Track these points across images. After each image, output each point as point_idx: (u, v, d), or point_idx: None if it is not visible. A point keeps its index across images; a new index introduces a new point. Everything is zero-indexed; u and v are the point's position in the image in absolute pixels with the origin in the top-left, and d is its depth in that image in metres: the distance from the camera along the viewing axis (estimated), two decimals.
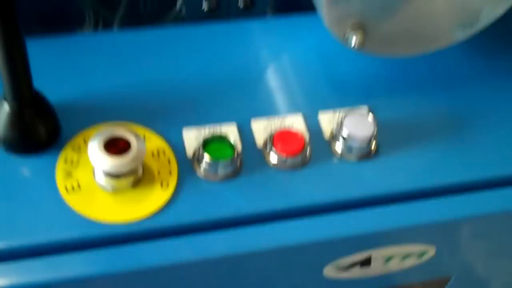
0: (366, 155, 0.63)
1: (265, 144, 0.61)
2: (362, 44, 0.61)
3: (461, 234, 0.64)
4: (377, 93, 0.66)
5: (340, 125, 0.61)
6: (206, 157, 0.59)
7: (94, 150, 0.55)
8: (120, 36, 0.69)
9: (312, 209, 0.60)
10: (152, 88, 0.64)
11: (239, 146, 0.61)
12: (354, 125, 0.61)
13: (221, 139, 0.60)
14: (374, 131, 0.61)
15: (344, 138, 0.61)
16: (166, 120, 0.62)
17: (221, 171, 0.59)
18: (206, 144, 0.60)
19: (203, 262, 0.57)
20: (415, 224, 0.61)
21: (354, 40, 0.61)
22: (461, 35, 0.66)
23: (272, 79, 0.67)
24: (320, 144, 0.63)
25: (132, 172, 0.57)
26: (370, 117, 0.61)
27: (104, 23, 0.72)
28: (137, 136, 0.56)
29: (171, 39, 0.68)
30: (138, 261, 0.56)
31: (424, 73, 0.69)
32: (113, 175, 0.57)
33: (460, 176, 0.63)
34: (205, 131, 0.62)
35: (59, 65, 0.65)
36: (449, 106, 0.67)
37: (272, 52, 0.69)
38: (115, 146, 0.56)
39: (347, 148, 0.62)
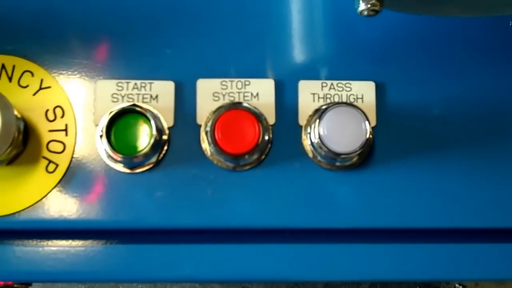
0: (350, 165, 0.47)
1: (206, 123, 0.46)
2: (374, 13, 0.42)
3: None
4: (393, 65, 0.48)
5: (318, 118, 0.45)
6: (108, 148, 0.44)
7: None
8: None
9: (253, 233, 0.46)
10: (66, 12, 0.48)
11: (169, 120, 0.46)
12: (337, 125, 0.45)
13: (137, 117, 0.45)
14: (364, 141, 0.44)
15: (317, 141, 0.45)
16: (78, 64, 0.47)
17: (131, 164, 0.45)
18: (115, 120, 0.45)
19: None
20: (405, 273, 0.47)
21: (362, 5, 0.42)
22: None
23: (242, 18, 0.49)
24: (288, 132, 0.47)
25: None
26: (366, 120, 0.44)
27: None
28: (3, 103, 0.42)
29: None
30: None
31: (470, 42, 0.49)
32: None
33: (473, 222, 0.47)
34: (128, 88, 0.46)
35: None
36: (497, 98, 0.48)
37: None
38: None
39: (322, 154, 0.46)
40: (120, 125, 0.45)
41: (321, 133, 0.44)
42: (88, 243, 0.46)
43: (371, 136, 0.45)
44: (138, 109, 0.44)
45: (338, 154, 0.44)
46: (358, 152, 0.44)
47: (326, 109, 0.45)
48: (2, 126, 0.42)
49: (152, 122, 0.44)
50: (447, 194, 0.47)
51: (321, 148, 0.45)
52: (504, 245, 0.47)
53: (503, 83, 0.48)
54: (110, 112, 0.44)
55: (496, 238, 0.47)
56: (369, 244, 0.47)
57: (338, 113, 0.45)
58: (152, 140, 0.44)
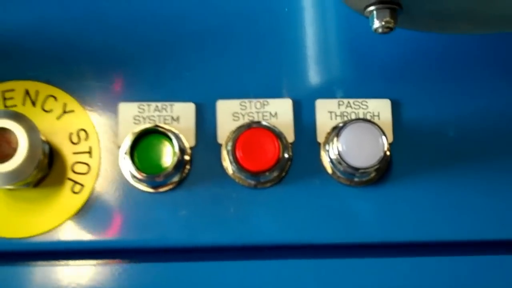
0: (369, 180, 0.48)
1: (227, 142, 0.47)
2: (389, 30, 0.44)
3: None
4: (408, 83, 0.50)
5: (336, 135, 0.46)
6: (133, 168, 0.46)
7: None
8: None
9: (276, 249, 0.47)
10: (87, 39, 0.49)
11: (191, 141, 0.47)
12: (355, 140, 0.46)
13: (160, 138, 0.47)
14: (382, 156, 0.46)
15: (336, 157, 0.46)
16: (99, 87, 0.49)
17: (155, 184, 0.47)
18: (138, 141, 0.46)
19: None
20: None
21: (377, 23, 0.44)
22: None
23: (259, 41, 0.50)
24: (307, 149, 0.48)
25: (22, 179, 0.45)
26: (383, 135, 0.46)
27: None
28: (29, 126, 0.44)
29: None
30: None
31: (485, 59, 0.51)
32: None
33: (492, 234, 0.48)
34: (149, 110, 0.48)
35: None
36: (507, 119, 0.50)
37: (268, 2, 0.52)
38: None
39: (341, 170, 0.47)
40: (143, 145, 0.46)
41: (340, 148, 0.46)
42: (114, 262, 0.47)
43: (388, 151, 0.46)
44: (160, 129, 0.46)
45: (357, 169, 0.46)
46: (376, 167, 0.46)
47: (344, 125, 0.46)
48: (28, 148, 0.44)
49: (175, 141, 0.46)
50: (464, 207, 0.48)
51: (340, 163, 0.46)
52: None
53: None
54: (134, 133, 0.46)
55: None
56: (388, 258, 0.48)
57: (356, 128, 0.46)
58: (175, 159, 0.46)
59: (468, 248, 0.49)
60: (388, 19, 0.43)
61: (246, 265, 0.47)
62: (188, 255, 0.47)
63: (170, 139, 0.46)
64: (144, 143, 0.46)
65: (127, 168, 0.46)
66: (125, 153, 0.46)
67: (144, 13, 0.50)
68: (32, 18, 0.50)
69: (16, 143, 0.44)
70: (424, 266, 0.48)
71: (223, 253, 0.48)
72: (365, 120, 0.47)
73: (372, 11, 0.44)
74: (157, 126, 0.46)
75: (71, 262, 0.47)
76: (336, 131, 0.47)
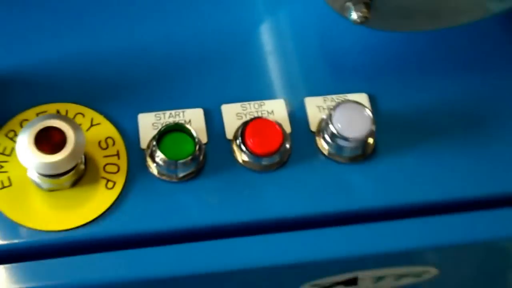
0: (360, 156, 0.57)
1: (235, 136, 0.56)
2: (365, 19, 0.54)
3: (470, 259, 0.58)
4: (381, 78, 0.60)
5: (329, 118, 0.55)
6: (160, 155, 0.53)
7: (23, 146, 0.50)
8: None
9: (288, 222, 0.55)
10: (104, 62, 0.58)
11: (203, 138, 0.55)
12: (346, 119, 0.55)
13: (181, 129, 0.54)
14: (371, 128, 0.55)
15: (332, 135, 0.55)
16: (120, 102, 0.57)
17: (178, 171, 0.54)
18: (162, 136, 0.54)
19: (150, 281, 0.53)
20: (414, 247, 0.55)
21: (354, 15, 0.54)
22: (497, 6, 0.59)
23: (251, 54, 0.60)
24: (303, 138, 0.57)
25: (68, 171, 0.52)
26: (368, 109, 0.55)
27: None
28: (75, 126, 0.51)
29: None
30: (72, 277, 0.52)
31: (446, 53, 0.62)
32: (47, 176, 0.52)
33: (476, 190, 0.57)
34: (165, 117, 0.56)
35: None
36: (473, 97, 0.60)
37: (254, 19, 0.62)
38: (48, 139, 0.51)
39: (336, 148, 0.56)
40: (166, 140, 0.54)
41: (336, 126, 0.55)
42: (147, 247, 0.54)
43: (374, 124, 0.55)
44: (180, 125, 0.54)
45: (352, 141, 0.55)
46: (367, 137, 0.55)
47: (335, 106, 0.56)
48: (74, 143, 0.51)
49: (193, 132, 0.54)
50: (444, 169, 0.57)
51: (335, 140, 0.55)
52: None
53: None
54: (159, 130, 0.54)
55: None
56: (385, 222, 0.56)
57: (345, 107, 0.55)
58: (197, 148, 0.54)
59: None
60: (363, 9, 0.54)
61: (260, 239, 0.54)
62: (212, 234, 0.54)
63: (189, 132, 0.54)
64: (167, 138, 0.54)
65: (154, 162, 0.54)
66: (154, 146, 0.53)
67: (156, 39, 0.59)
68: (57, 52, 0.58)
69: (65, 139, 0.51)
70: (415, 227, 0.56)
71: (240, 230, 0.55)
72: (350, 101, 0.56)
73: (349, 6, 0.54)
74: (177, 124, 0.54)
75: (109, 251, 0.53)
76: (329, 114, 0.55)
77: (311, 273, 0.56)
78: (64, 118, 0.51)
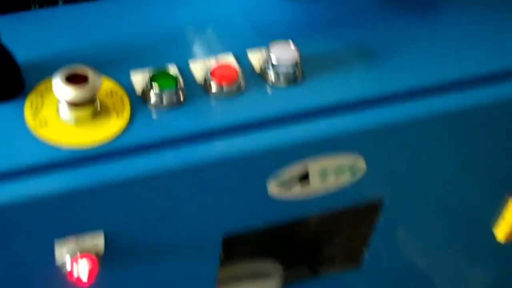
0: (294, 79, 0.80)
1: (204, 78, 0.78)
2: None
3: (389, 145, 0.81)
4: (297, 35, 0.84)
5: (267, 54, 0.78)
6: (155, 87, 0.75)
7: (58, 83, 0.71)
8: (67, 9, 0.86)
9: (250, 126, 0.76)
10: (101, 46, 0.81)
11: (181, 80, 0.77)
12: (280, 52, 0.79)
13: (165, 75, 0.77)
14: (298, 55, 0.78)
15: (273, 65, 0.78)
16: (116, 67, 0.79)
17: (168, 98, 0.76)
18: (153, 79, 0.76)
19: (157, 176, 0.73)
20: (341, 132, 0.78)
21: None
22: None
23: (203, 29, 0.84)
24: (252, 76, 0.79)
25: (90, 101, 0.73)
26: (292, 45, 0.79)
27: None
28: (93, 71, 0.73)
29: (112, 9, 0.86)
30: (101, 178, 0.72)
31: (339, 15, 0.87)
32: (75, 104, 0.73)
33: (375, 89, 0.80)
34: (150, 72, 0.78)
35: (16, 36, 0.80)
36: (363, 40, 0.86)
37: (198, 8, 0.87)
38: (75, 79, 0.72)
39: (276, 74, 0.79)
40: (157, 79, 0.77)
41: (273, 60, 0.79)
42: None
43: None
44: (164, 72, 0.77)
45: (289, 66, 0.78)
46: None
47: (269, 46, 0.80)
48: (95, 81, 0.73)
49: (173, 74, 0.76)
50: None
51: (276, 68, 0.78)
52: None
53: None
54: (150, 76, 0.76)
55: None
56: None
57: (277, 44, 0.80)
58: (177, 83, 0.76)
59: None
60: None
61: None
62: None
63: (171, 75, 0.77)
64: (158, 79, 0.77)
65: (150, 95, 0.76)
66: (149, 80, 0.76)
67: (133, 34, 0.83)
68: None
69: (88, 79, 0.73)
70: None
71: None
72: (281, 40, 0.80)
73: None
74: (162, 70, 0.77)
75: (124, 160, 0.74)
76: (266, 55, 0.79)
77: (271, 164, 0.77)
78: (85, 66, 0.73)
